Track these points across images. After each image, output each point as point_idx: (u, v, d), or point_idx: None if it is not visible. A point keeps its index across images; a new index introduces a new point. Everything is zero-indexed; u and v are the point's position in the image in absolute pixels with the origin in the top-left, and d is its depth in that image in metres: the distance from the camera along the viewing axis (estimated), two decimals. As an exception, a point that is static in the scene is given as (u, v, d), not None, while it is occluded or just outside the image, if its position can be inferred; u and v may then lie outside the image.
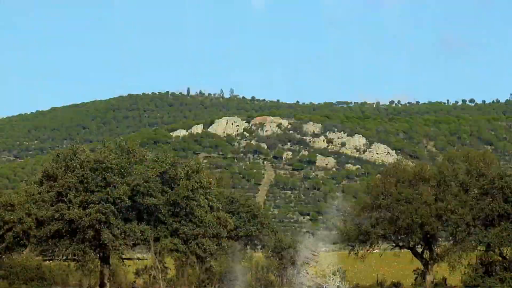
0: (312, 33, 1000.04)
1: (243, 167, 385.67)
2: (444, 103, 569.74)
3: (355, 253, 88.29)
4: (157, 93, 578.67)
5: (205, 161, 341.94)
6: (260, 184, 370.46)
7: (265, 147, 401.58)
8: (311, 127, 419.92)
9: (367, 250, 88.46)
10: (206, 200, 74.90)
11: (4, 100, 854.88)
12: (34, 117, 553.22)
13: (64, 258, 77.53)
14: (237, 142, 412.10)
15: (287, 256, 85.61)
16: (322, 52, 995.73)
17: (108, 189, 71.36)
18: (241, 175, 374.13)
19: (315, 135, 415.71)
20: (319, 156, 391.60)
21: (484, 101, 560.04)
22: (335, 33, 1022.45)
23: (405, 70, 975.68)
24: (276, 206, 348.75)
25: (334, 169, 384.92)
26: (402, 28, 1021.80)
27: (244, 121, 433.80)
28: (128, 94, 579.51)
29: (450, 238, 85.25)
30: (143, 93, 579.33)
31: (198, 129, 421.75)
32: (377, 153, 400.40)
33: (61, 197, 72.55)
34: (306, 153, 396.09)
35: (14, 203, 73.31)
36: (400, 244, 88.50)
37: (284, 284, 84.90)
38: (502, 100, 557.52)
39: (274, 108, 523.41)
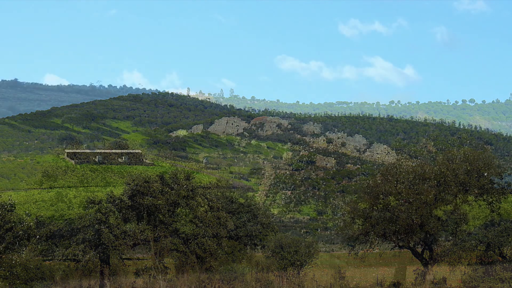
0: (313, 33, 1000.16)
1: (243, 167, 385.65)
2: (444, 103, 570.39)
3: (355, 253, 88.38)
4: (157, 93, 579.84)
5: (205, 161, 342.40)
6: (260, 184, 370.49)
7: (265, 147, 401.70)
8: (311, 127, 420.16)
9: (367, 250, 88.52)
10: (206, 200, 74.97)
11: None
12: (34, 117, 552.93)
13: (64, 258, 77.67)
14: (237, 142, 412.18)
15: (288, 256, 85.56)
16: (322, 51, 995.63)
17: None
18: (241, 175, 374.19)
19: (315, 135, 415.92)
20: (319, 156, 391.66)
21: (484, 101, 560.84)
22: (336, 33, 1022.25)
23: (405, 70, 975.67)
24: (276, 206, 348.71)
25: (334, 169, 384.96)
26: (403, 28, 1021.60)
27: (244, 121, 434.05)
28: (128, 94, 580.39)
29: (450, 238, 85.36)
30: (143, 93, 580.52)
31: (198, 129, 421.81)
32: (377, 153, 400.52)
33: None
34: (306, 153, 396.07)
35: (14, 203, 73.34)
36: (400, 244, 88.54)
37: (284, 284, 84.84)
38: (502, 100, 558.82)
39: (274, 108, 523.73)
